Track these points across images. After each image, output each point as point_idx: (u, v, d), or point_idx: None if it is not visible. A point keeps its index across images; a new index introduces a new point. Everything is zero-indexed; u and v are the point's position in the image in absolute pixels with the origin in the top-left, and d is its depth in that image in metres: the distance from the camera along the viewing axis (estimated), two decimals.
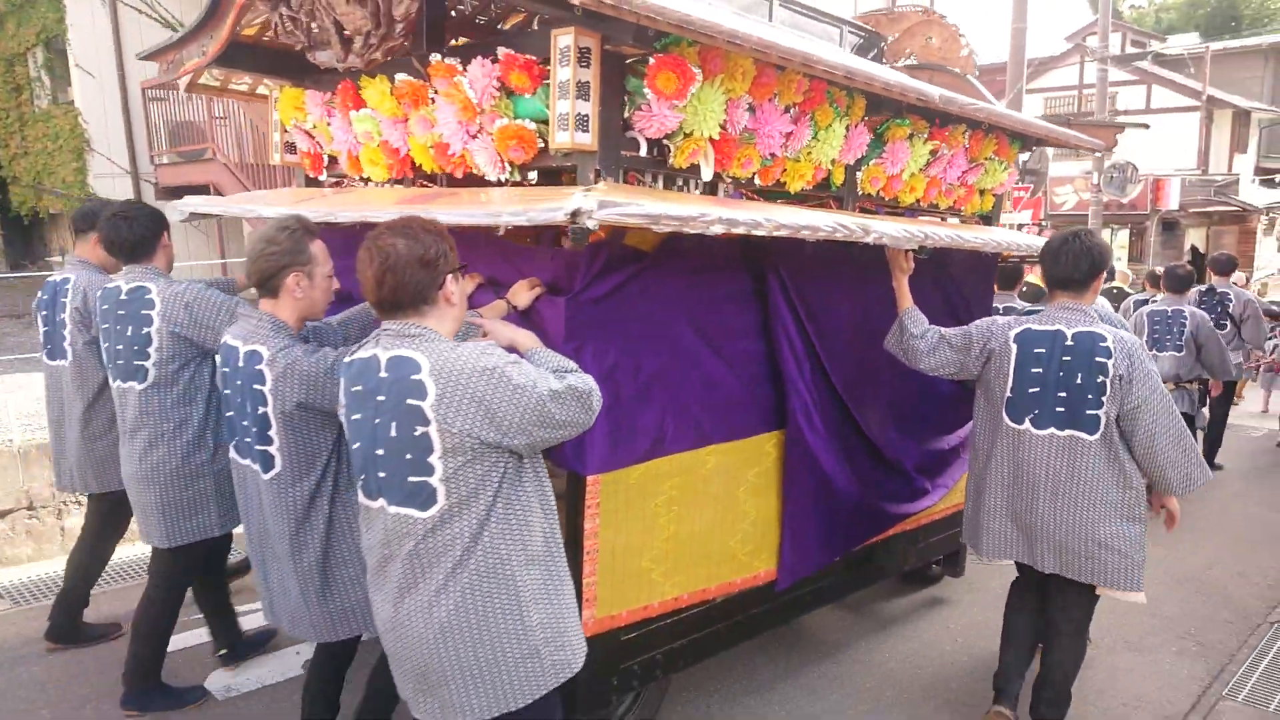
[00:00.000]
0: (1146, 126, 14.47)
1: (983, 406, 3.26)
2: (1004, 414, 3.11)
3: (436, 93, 2.76)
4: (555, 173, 2.89)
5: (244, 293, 3.46)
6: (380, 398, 1.96)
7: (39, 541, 5.10)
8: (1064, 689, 3.24)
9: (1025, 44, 10.74)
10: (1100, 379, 2.91)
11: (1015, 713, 3.31)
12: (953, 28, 4.45)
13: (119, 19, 12.68)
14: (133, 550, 4.92)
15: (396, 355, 1.95)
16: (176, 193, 12.18)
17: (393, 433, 1.94)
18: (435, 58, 2.71)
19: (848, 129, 3.12)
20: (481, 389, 1.88)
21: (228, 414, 2.54)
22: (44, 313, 3.64)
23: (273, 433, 2.39)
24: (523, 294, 2.60)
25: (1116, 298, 7.62)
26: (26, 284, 13.88)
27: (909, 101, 3.07)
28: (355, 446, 2.05)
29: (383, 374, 1.96)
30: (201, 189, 11.25)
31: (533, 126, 2.58)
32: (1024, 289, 5.47)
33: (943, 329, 3.28)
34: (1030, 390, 3.03)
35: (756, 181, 2.99)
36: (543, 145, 2.60)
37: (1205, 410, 6.50)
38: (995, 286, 4.65)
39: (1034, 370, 3.02)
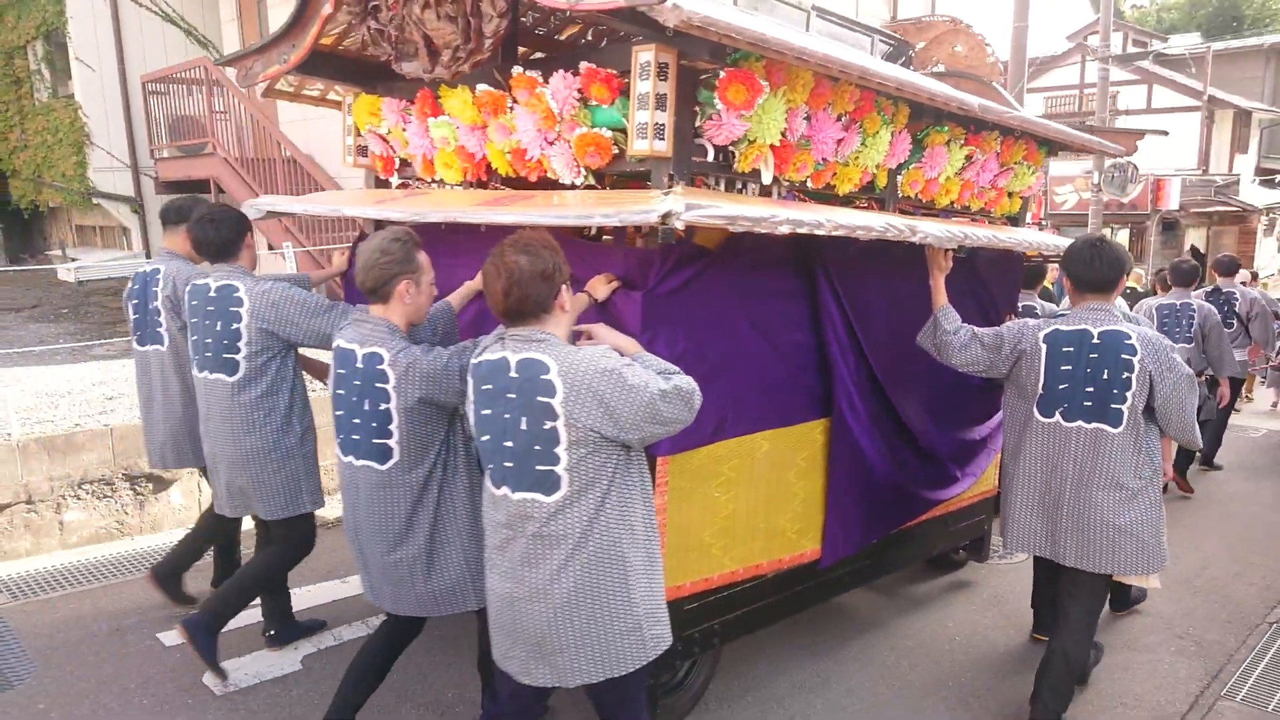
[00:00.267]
0: (1165, 133, 14.57)
1: (1013, 404, 3.43)
2: (1035, 409, 3.29)
3: (515, 102, 2.98)
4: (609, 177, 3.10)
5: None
6: (511, 395, 2.19)
7: (37, 535, 5.15)
8: (1067, 679, 3.31)
9: (1026, 43, 10.84)
10: (1125, 374, 3.10)
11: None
12: (979, 37, 4.66)
13: (119, 12, 12.72)
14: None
15: (526, 358, 2.18)
16: (177, 187, 11.95)
17: (523, 426, 2.17)
18: (517, 70, 2.93)
19: (892, 135, 3.35)
20: (602, 388, 2.11)
21: (337, 413, 2.74)
22: (134, 301, 3.85)
23: (393, 426, 2.61)
24: (601, 288, 2.81)
25: (1129, 297, 7.78)
26: (25, 278, 13.92)
27: (950, 110, 3.29)
28: (484, 439, 2.28)
29: (513, 374, 2.19)
30: (202, 184, 11.24)
31: (609, 134, 2.80)
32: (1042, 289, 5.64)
33: (975, 328, 3.46)
34: (1060, 386, 3.21)
35: (809, 185, 3.21)
36: (617, 151, 2.82)
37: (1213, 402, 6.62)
38: None
39: (1064, 368, 3.20)
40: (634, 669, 2.27)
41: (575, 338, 2.48)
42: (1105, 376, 3.13)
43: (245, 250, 3.43)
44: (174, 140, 11.77)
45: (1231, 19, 35.49)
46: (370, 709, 3.12)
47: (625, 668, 2.26)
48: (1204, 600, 4.69)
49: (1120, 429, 3.13)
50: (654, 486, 2.87)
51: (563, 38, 3.89)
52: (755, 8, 3.93)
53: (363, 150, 3.77)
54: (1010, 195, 4.26)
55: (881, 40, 4.70)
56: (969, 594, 4.69)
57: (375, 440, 2.66)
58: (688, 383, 2.25)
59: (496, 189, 3.36)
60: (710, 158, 2.85)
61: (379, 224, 3.58)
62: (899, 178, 3.58)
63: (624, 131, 2.78)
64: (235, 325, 3.26)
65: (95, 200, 13.49)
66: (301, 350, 3.45)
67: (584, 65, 2.76)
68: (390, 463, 2.66)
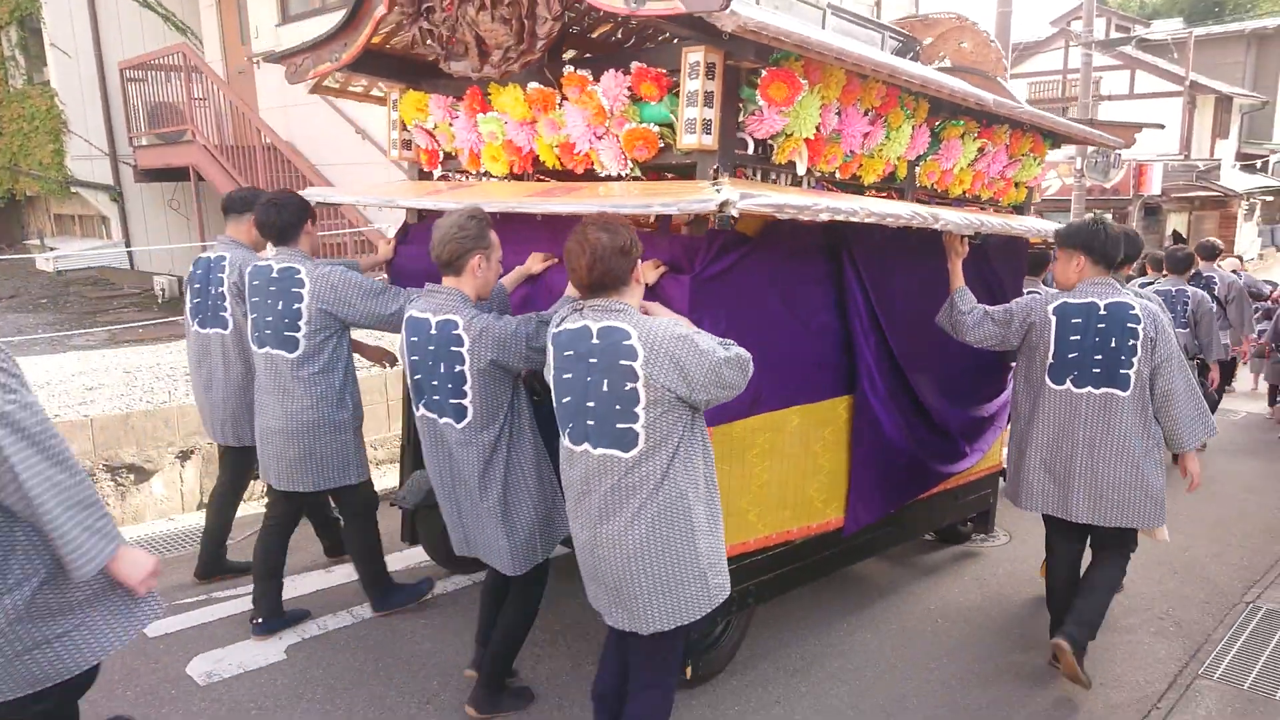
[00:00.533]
0: (1162, 127, 14.90)
1: (1024, 374, 3.69)
2: (1046, 377, 3.55)
3: (565, 99, 3.18)
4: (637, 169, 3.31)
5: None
6: (593, 360, 2.41)
7: None
8: (1097, 611, 3.55)
9: (1010, 27, 11.01)
10: (1131, 342, 3.36)
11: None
12: (984, 34, 4.89)
13: None
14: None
15: (607, 325, 2.40)
16: (156, 175, 11.98)
17: (605, 388, 2.39)
18: (569, 69, 3.13)
19: (913, 129, 3.57)
20: (678, 352, 2.34)
21: (415, 378, 2.97)
22: (196, 286, 4.03)
23: (467, 387, 2.84)
24: (650, 272, 3.02)
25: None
26: (2, 268, 13.64)
27: (967, 105, 3.51)
28: (565, 400, 2.49)
29: (595, 341, 2.41)
30: (181, 172, 11.16)
31: (656, 129, 3.01)
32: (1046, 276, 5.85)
33: (987, 307, 3.73)
34: (1070, 355, 3.47)
35: (837, 175, 3.43)
36: (663, 145, 3.02)
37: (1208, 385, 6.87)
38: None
39: (1073, 338, 3.46)
40: (699, 616, 2.50)
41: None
42: (1113, 344, 3.38)
43: (305, 235, 3.61)
44: (153, 128, 11.55)
45: (1213, 4, 35.89)
46: (358, 697, 3.40)
47: (692, 614, 2.48)
48: (1183, 581, 4.74)
49: (1129, 392, 3.39)
50: None
51: (594, 36, 4.08)
52: (776, 6, 4.13)
53: (407, 144, 3.96)
54: (1017, 185, 4.50)
55: (891, 36, 4.90)
56: (953, 576, 4.74)
57: (452, 400, 2.88)
58: (744, 352, 2.47)
59: (540, 180, 3.56)
60: (750, 150, 3.07)
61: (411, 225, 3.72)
62: (917, 169, 3.81)
63: (670, 126, 2.99)
64: (297, 305, 3.46)
65: (73, 189, 13.31)
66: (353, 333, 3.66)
67: (634, 65, 2.96)
68: (465, 421, 2.89)
